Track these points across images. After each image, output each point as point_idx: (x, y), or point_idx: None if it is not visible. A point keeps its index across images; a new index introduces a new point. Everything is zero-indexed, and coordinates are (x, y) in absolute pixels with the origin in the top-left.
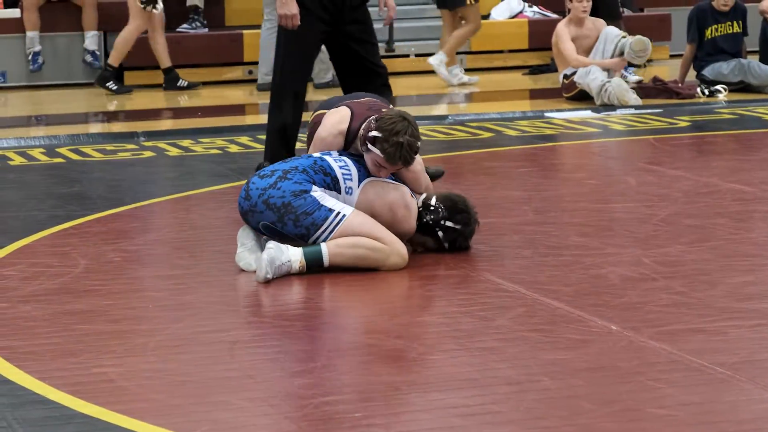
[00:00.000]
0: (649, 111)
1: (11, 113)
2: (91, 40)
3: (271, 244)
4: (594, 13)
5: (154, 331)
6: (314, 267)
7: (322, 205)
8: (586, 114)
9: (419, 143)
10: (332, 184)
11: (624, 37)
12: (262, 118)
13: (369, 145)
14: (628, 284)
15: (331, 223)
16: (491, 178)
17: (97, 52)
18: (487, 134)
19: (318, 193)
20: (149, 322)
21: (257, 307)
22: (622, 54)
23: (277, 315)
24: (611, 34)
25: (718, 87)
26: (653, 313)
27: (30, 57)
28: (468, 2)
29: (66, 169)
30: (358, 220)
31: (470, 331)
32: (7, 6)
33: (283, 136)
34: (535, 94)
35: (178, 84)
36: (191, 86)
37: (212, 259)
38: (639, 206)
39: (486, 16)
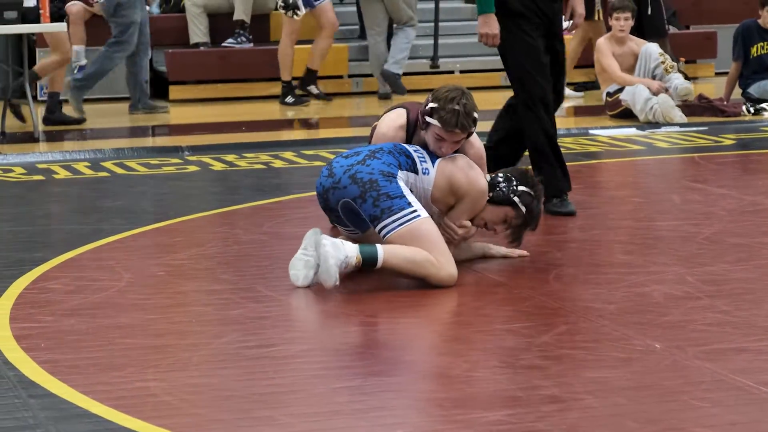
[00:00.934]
0: (694, 129)
1: (57, 127)
2: None
3: (326, 240)
4: (639, 30)
5: (197, 345)
6: (368, 265)
7: (404, 196)
8: (631, 131)
9: (476, 113)
10: (412, 166)
11: (661, 55)
12: (307, 133)
13: (427, 118)
14: (672, 302)
15: (405, 216)
16: None
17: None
18: None
19: (402, 182)
20: (193, 336)
21: (301, 323)
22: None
23: (320, 330)
24: (653, 52)
25: (764, 105)
26: (697, 332)
27: (76, 71)
28: None
29: (110, 183)
30: (426, 226)
31: (514, 348)
32: (53, 20)
33: (552, 143)
34: (579, 111)
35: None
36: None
37: (256, 274)
38: (683, 224)
39: None
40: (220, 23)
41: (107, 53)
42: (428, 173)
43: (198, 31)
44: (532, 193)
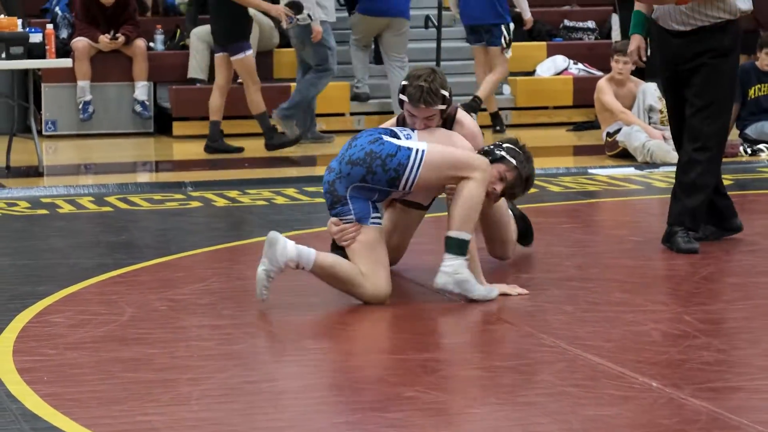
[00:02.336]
0: None
1: (61, 161)
2: (141, 90)
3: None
4: (639, 71)
5: (199, 380)
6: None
7: (400, 146)
8: (629, 171)
9: (445, 91)
10: (393, 134)
11: (660, 100)
12: (308, 170)
13: (399, 96)
14: (669, 341)
15: (415, 159)
16: (534, 233)
17: (147, 102)
18: (531, 190)
19: (390, 138)
20: (194, 371)
21: (301, 358)
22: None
23: (320, 366)
24: (650, 90)
25: (761, 146)
26: (694, 371)
27: (80, 106)
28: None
29: (114, 217)
30: (437, 150)
31: (512, 385)
32: (59, 55)
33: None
34: (578, 151)
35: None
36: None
37: (258, 309)
38: (681, 263)
39: (531, 73)
40: None
41: (312, 80)
42: (411, 137)
43: (197, 67)
44: (517, 149)
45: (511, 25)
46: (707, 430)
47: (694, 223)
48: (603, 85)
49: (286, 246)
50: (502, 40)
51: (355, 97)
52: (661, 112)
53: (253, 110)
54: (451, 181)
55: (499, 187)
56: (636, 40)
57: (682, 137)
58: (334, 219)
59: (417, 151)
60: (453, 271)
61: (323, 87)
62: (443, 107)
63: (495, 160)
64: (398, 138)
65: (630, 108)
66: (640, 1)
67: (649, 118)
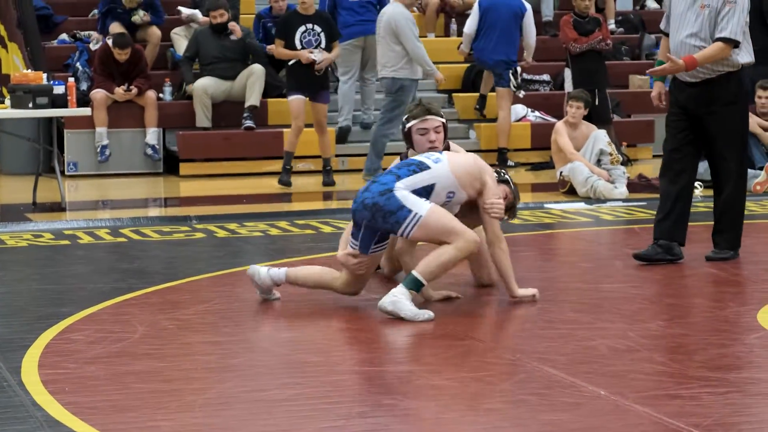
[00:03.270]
0: (634, 204)
1: (81, 198)
2: (152, 135)
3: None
4: (588, 117)
5: (202, 390)
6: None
7: (403, 206)
8: (580, 206)
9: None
10: (417, 167)
11: (610, 144)
12: (299, 206)
13: (406, 129)
14: (616, 355)
15: (410, 221)
16: None
17: (157, 146)
18: None
19: (401, 192)
20: (198, 382)
21: (293, 370)
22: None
23: (310, 377)
24: (601, 137)
25: (695, 184)
26: (637, 380)
27: (98, 149)
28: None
29: (128, 247)
30: (433, 217)
31: (478, 393)
32: (79, 105)
33: None
34: (536, 188)
35: (507, 164)
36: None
37: (254, 327)
38: (625, 286)
39: (494, 119)
40: (224, 109)
41: (382, 132)
42: (440, 161)
43: (203, 116)
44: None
45: (518, 68)
46: None
47: (731, 243)
48: (560, 127)
49: (260, 274)
50: (511, 84)
51: (340, 135)
52: (610, 154)
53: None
54: (438, 243)
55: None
56: (658, 87)
57: (669, 173)
58: (349, 251)
59: (415, 215)
60: (393, 294)
61: (392, 137)
62: (443, 119)
63: (501, 180)
64: (426, 167)
65: (580, 148)
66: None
67: (599, 160)
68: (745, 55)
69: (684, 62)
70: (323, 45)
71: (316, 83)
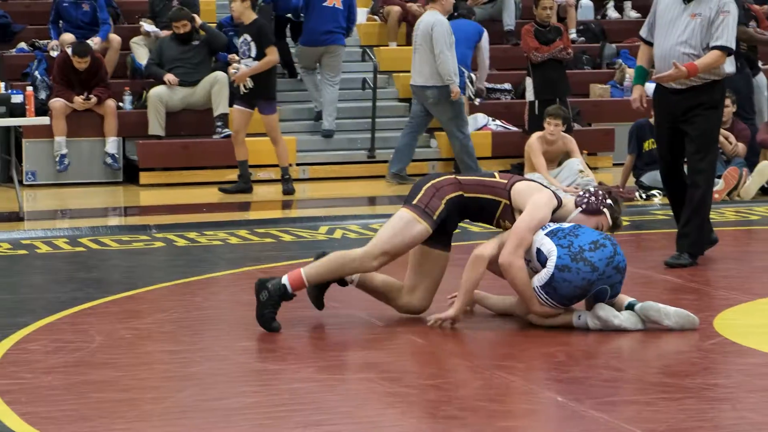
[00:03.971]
0: None
1: (39, 207)
2: (112, 144)
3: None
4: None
5: (160, 399)
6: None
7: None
8: None
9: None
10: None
11: (581, 171)
12: (258, 214)
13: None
14: (573, 361)
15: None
16: (458, 269)
17: (116, 155)
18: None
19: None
20: (156, 391)
21: (251, 379)
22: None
23: (267, 386)
24: (573, 166)
25: (654, 192)
26: (594, 387)
27: (57, 159)
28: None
29: (86, 257)
30: None
31: (436, 401)
32: (38, 114)
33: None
34: None
35: None
36: None
37: (213, 336)
38: None
39: None
40: (183, 117)
41: (409, 140)
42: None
43: (157, 125)
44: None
45: (473, 76)
46: None
47: (694, 248)
48: (534, 145)
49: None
50: (467, 92)
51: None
52: (581, 171)
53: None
54: None
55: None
56: (638, 90)
57: (668, 179)
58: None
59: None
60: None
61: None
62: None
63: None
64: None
65: (557, 161)
66: (639, 60)
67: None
68: (729, 65)
69: (687, 69)
70: (253, 54)
71: (256, 94)
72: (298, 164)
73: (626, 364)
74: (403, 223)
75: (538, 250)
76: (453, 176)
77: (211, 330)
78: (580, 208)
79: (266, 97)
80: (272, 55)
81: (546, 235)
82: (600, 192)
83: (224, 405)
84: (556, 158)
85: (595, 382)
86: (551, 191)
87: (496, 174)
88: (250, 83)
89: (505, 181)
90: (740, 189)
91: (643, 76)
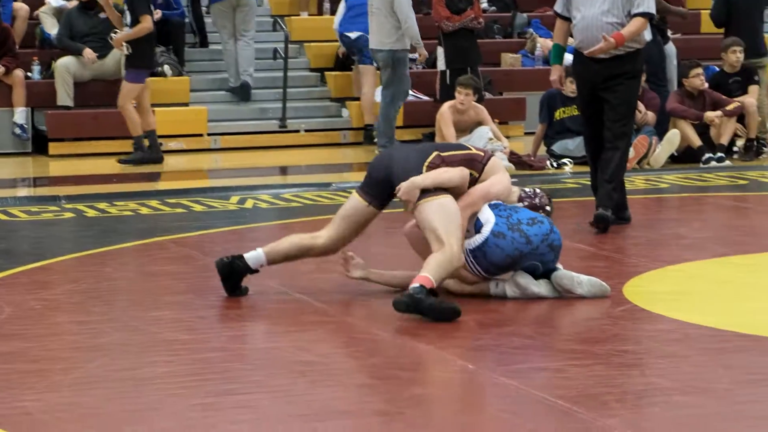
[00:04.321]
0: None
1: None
2: (20, 115)
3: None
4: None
5: (69, 369)
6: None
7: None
8: None
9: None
10: None
11: (491, 139)
12: (169, 184)
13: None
14: (484, 329)
15: None
16: (369, 237)
17: (25, 126)
18: None
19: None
20: (66, 362)
21: (162, 348)
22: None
23: (179, 355)
24: (483, 134)
25: (565, 161)
26: (505, 354)
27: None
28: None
29: None
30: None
31: (347, 369)
32: None
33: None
34: None
35: (374, 141)
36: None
37: (123, 306)
38: None
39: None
40: (93, 88)
41: (389, 111)
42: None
43: (65, 96)
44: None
45: None
46: (515, 405)
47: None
48: (445, 114)
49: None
50: (374, 61)
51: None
52: (490, 139)
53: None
54: None
55: None
56: (557, 70)
57: (593, 144)
58: None
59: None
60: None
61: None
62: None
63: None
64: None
65: (469, 131)
66: (556, 39)
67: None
68: (647, 33)
69: (615, 40)
70: (128, 22)
71: (127, 61)
72: (209, 134)
73: (537, 331)
74: (449, 207)
75: (477, 219)
76: (436, 153)
77: (121, 300)
78: (522, 203)
79: (133, 64)
80: (144, 23)
81: (488, 206)
82: (545, 195)
83: (135, 375)
84: (467, 128)
85: (506, 350)
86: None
87: (473, 148)
88: (126, 49)
89: (483, 154)
90: (650, 157)
91: (560, 54)
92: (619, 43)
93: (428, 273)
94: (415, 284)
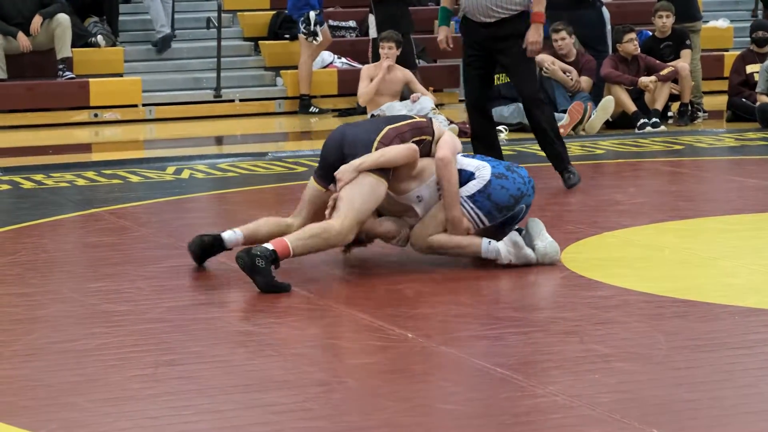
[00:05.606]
0: None
1: None
2: None
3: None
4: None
5: (8, 342)
6: None
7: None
8: None
9: None
10: None
11: (433, 109)
12: (105, 156)
13: None
14: (422, 298)
15: None
16: None
17: None
18: (301, 168)
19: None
20: (4, 334)
21: (100, 320)
22: None
23: (118, 327)
24: (426, 104)
25: (500, 127)
26: (444, 323)
27: None
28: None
29: None
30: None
31: (286, 339)
32: None
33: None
34: None
35: (310, 110)
36: (322, 112)
37: (62, 278)
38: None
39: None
40: (26, 59)
41: None
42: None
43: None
44: None
45: (312, 14)
46: (454, 373)
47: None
48: (363, 73)
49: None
50: (301, 31)
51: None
52: (433, 109)
53: None
54: None
55: None
56: (444, 31)
57: (475, 110)
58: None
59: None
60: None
61: None
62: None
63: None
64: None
65: (397, 93)
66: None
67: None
68: None
69: (535, 20)
70: None
71: None
72: (144, 105)
73: (475, 299)
74: (370, 189)
75: (463, 170)
76: (387, 128)
77: (59, 272)
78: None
79: None
80: None
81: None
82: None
83: (74, 347)
84: (397, 92)
85: (445, 318)
86: None
87: (416, 117)
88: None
89: (425, 120)
90: (585, 123)
91: (447, 16)
92: (541, 19)
93: (292, 240)
94: (268, 245)
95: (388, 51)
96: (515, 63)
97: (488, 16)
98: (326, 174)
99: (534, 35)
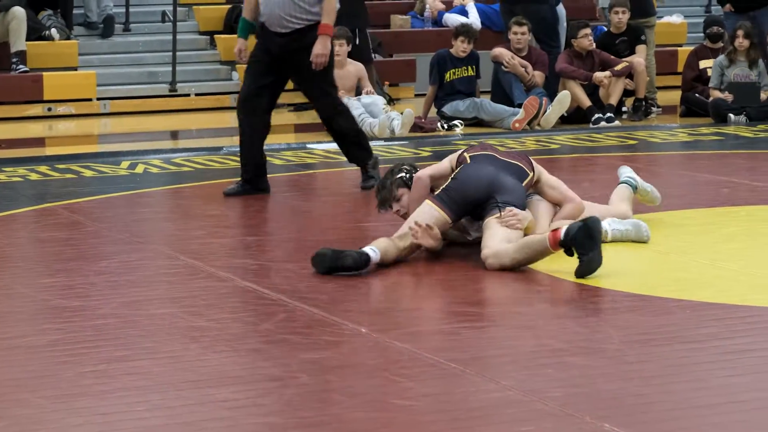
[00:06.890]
0: (397, 143)
1: None
2: None
3: None
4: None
5: None
6: None
7: None
8: None
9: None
10: None
11: (384, 107)
12: (59, 150)
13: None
14: (377, 291)
15: None
16: (259, 201)
17: None
18: None
19: None
20: None
21: (52, 316)
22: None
23: (69, 322)
24: (380, 103)
25: (455, 122)
26: (398, 317)
27: None
28: None
29: None
30: None
31: (239, 334)
32: None
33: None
34: (299, 128)
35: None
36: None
37: (13, 273)
38: (386, 225)
39: None
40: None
41: None
42: None
43: None
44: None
45: None
46: (408, 368)
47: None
48: None
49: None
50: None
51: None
52: (384, 108)
53: None
54: None
55: None
56: (240, 43)
57: (249, 111)
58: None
59: None
60: None
61: None
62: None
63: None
64: None
65: (352, 88)
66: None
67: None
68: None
69: (326, 32)
70: None
71: None
72: (98, 99)
73: (430, 294)
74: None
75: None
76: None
77: (11, 267)
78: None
79: None
80: None
81: None
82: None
83: (26, 343)
84: (350, 87)
85: (399, 313)
86: None
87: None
88: None
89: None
90: (540, 118)
91: (245, 28)
92: (331, 32)
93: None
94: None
95: (339, 48)
96: (307, 80)
97: (283, 27)
98: (460, 210)
99: (320, 47)
